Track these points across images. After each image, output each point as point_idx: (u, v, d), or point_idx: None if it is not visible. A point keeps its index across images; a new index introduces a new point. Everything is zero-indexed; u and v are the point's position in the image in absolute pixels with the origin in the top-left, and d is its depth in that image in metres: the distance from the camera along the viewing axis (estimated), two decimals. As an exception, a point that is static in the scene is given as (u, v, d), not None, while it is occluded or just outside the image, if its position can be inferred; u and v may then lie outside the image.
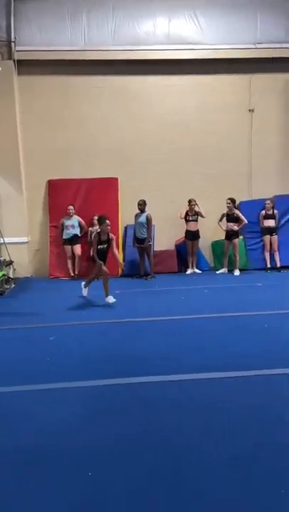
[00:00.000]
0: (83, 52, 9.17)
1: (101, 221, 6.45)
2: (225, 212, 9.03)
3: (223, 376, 3.56)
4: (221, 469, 2.35)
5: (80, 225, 9.04)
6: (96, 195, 9.24)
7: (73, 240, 8.98)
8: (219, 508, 2.07)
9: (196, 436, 2.68)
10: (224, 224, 9.06)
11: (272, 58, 9.44)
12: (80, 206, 9.19)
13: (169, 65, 9.40)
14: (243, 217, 8.98)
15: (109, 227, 6.43)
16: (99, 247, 6.38)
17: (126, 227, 9.52)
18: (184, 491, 2.18)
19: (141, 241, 8.74)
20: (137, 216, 8.89)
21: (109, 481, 2.27)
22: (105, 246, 6.41)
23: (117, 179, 9.28)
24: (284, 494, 2.13)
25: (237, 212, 9.04)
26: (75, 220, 9.03)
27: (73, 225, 9.00)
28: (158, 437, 2.68)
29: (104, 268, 6.44)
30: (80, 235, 9.04)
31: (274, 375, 3.55)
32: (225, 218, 9.06)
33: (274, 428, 2.76)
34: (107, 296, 6.30)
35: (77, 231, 9.01)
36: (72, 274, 8.95)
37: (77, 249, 8.98)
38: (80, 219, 9.05)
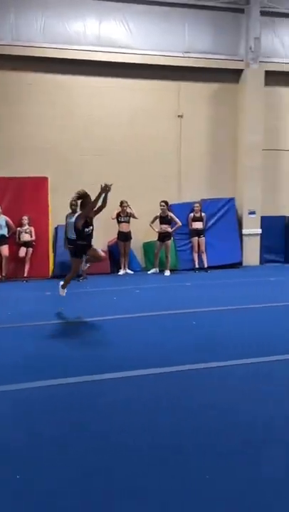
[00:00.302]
0: (10, 48, 8.89)
1: (87, 199, 5.36)
2: (158, 214, 9.23)
3: (152, 373, 3.66)
4: (153, 465, 2.43)
5: (7, 224, 8.71)
6: (24, 194, 8.95)
7: (0, 240, 8.62)
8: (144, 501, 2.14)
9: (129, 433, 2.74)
10: (156, 226, 9.26)
11: (200, 68, 9.88)
12: (7, 206, 8.84)
13: (101, 66, 9.44)
14: (177, 220, 9.25)
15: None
16: (86, 230, 5.42)
17: (56, 228, 9.36)
18: (117, 489, 2.22)
19: (72, 242, 8.62)
20: (68, 216, 8.77)
21: (37, 482, 2.24)
22: (91, 228, 5.51)
23: (46, 178, 9.08)
24: (208, 479, 2.25)
25: (171, 214, 9.29)
26: (2, 219, 8.68)
27: (0, 225, 8.64)
28: (91, 436, 2.69)
29: (98, 252, 5.80)
30: (7, 236, 8.71)
31: (204, 369, 3.74)
32: (158, 220, 9.26)
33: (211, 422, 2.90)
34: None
35: (4, 231, 8.67)
36: (-1, 276, 8.60)
37: (5, 249, 8.63)
38: (8, 219, 8.72)
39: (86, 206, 5.30)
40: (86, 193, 5.39)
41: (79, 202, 5.54)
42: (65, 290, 5.92)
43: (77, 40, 9.23)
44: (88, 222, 5.37)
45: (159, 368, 3.74)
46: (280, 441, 2.61)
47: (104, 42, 9.34)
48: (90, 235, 5.46)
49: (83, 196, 5.39)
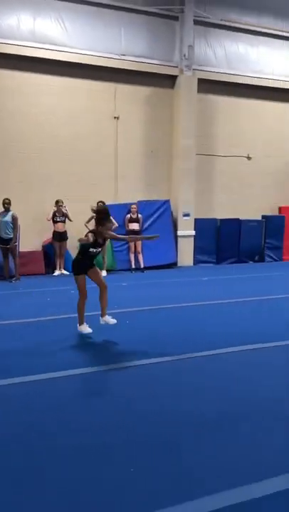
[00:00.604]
0: None
1: (105, 216, 4.50)
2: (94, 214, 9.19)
3: (78, 373, 3.68)
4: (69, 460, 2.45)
5: None
6: None
7: None
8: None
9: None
10: (92, 226, 9.21)
11: (136, 71, 10.02)
12: None
13: (36, 63, 9.23)
14: (114, 221, 9.25)
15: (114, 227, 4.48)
16: (91, 250, 4.56)
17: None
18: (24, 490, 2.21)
19: (5, 241, 8.35)
20: (0, 215, 8.47)
21: None
22: (99, 250, 4.70)
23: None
24: (133, 472, 2.31)
25: (107, 215, 9.30)
26: None
27: None
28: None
29: (100, 276, 4.74)
30: None
31: (130, 367, 3.81)
32: (94, 220, 9.22)
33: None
34: (104, 315, 4.63)
35: None
36: None
37: None
38: None
39: (102, 225, 4.45)
40: (106, 211, 4.58)
41: (94, 216, 4.65)
42: (86, 324, 4.75)
43: (10, 33, 8.94)
44: (98, 243, 4.52)
45: (88, 368, 3.76)
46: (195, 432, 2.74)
47: (39, 38, 9.14)
48: (93, 256, 4.69)
49: (101, 213, 4.54)
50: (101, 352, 4.21)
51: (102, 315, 4.68)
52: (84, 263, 4.63)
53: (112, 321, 4.64)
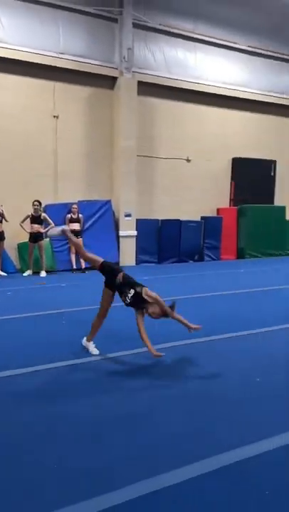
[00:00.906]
0: None
1: (158, 304, 3.80)
2: (29, 213, 9.02)
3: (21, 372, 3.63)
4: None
5: None
6: None
7: None
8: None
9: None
10: (27, 225, 9.03)
11: (76, 70, 9.96)
12: None
13: None
14: (50, 221, 9.14)
15: None
16: (128, 300, 3.95)
17: None
18: None
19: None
20: None
21: None
22: (115, 293, 4.15)
23: None
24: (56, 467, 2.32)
25: (44, 214, 9.16)
26: None
27: None
28: None
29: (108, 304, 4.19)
30: None
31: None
32: (29, 219, 9.04)
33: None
34: (90, 339, 4.20)
35: None
36: None
37: None
38: None
39: (149, 303, 3.82)
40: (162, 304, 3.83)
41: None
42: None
43: None
44: (125, 297, 3.98)
45: (24, 368, 3.71)
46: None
47: (-28, 31, 8.84)
48: (125, 299, 4.00)
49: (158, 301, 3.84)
50: (42, 350, 4.15)
51: (89, 339, 4.18)
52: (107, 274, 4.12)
53: (95, 351, 4.09)
